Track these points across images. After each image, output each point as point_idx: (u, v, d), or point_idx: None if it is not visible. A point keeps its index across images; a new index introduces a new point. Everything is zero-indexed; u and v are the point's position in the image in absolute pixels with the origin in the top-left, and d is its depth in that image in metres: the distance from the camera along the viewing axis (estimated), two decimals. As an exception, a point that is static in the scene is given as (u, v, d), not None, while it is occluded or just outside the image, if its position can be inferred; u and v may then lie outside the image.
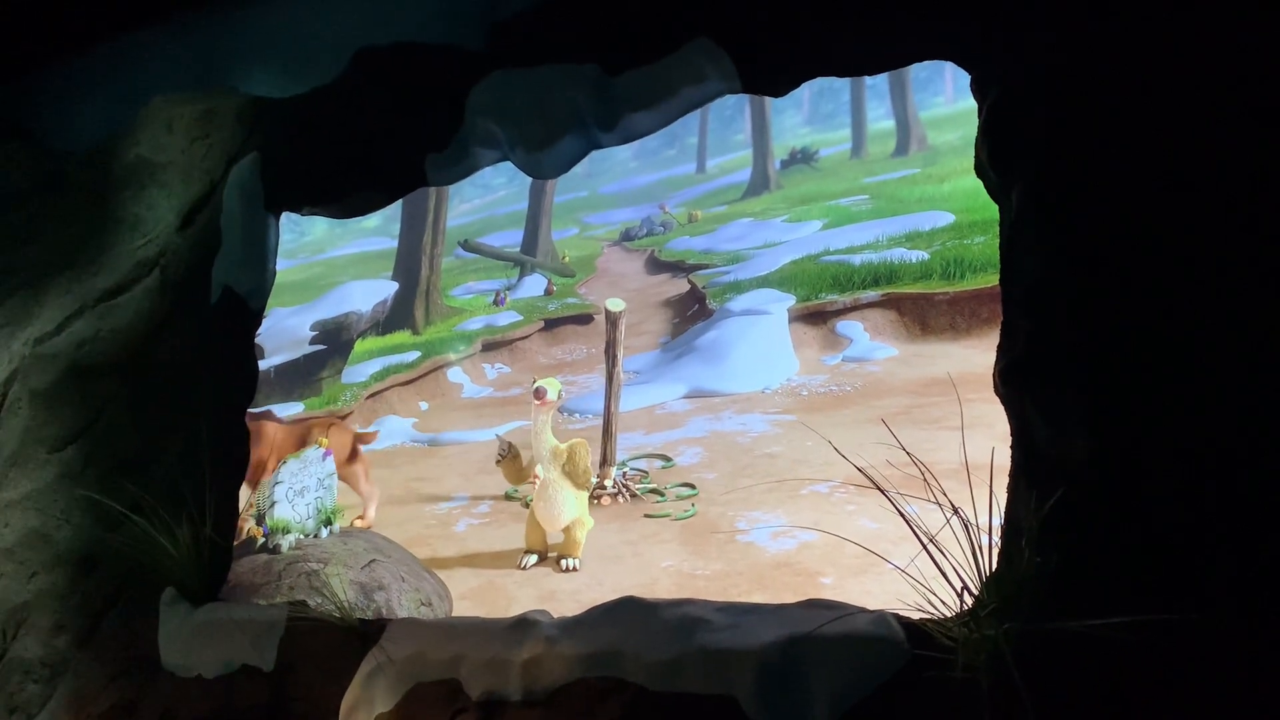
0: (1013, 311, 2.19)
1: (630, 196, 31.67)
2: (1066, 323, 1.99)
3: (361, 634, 2.69)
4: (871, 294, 12.32)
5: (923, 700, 2.02)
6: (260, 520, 4.39)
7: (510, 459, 6.51)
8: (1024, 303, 2.13)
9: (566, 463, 6.35)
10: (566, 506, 6.27)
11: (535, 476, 6.38)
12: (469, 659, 2.44)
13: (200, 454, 3.14)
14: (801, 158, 27.01)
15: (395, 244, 17.78)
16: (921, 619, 2.16)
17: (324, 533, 4.58)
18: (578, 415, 10.85)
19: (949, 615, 2.11)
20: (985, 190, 2.35)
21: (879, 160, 25.09)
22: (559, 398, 6.56)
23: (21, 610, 3.08)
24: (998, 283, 2.28)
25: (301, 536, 4.41)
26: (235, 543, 3.69)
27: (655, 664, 2.24)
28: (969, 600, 2.07)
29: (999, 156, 2.19)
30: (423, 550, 6.43)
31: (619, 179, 36.66)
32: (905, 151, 24.61)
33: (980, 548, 2.09)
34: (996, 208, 2.29)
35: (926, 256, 12.91)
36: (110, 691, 2.89)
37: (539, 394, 6.37)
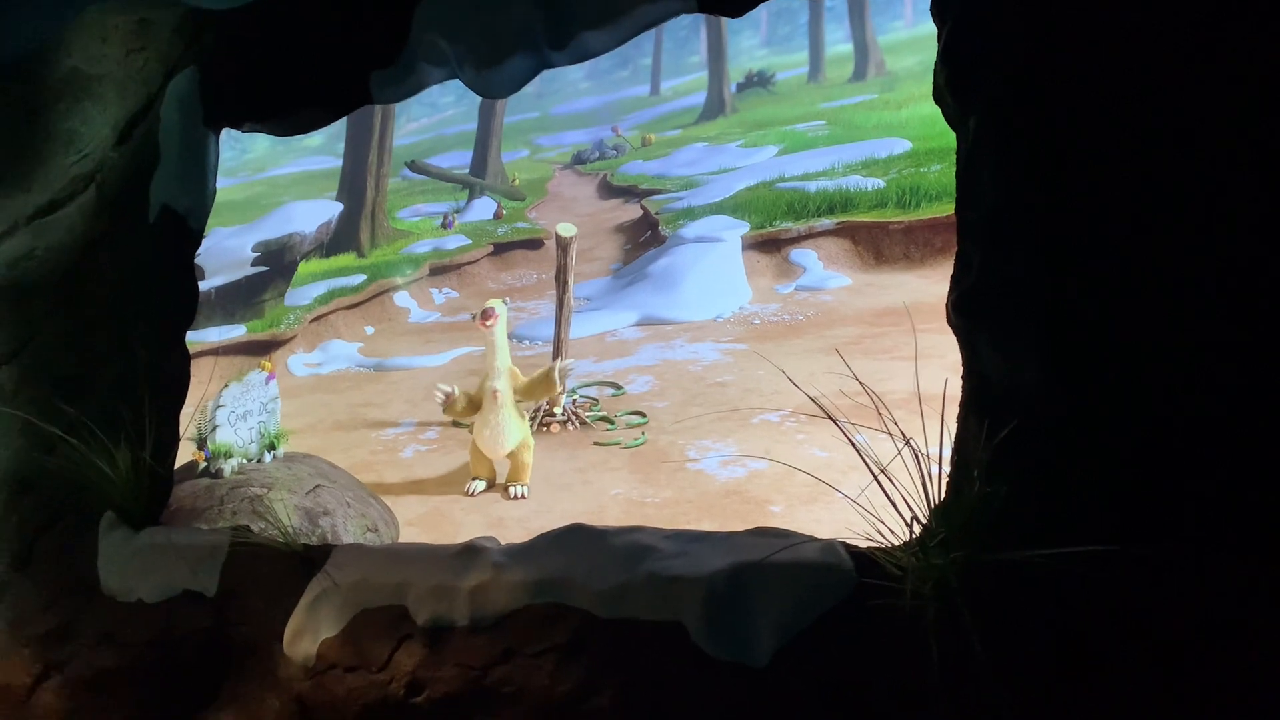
0: (967, 241, 2.17)
1: (582, 118, 31.16)
2: (1020, 253, 1.97)
3: (306, 559, 2.66)
4: (826, 222, 12.32)
5: (869, 628, 2.04)
6: (202, 444, 4.31)
7: (451, 404, 6.42)
8: (979, 232, 2.11)
9: (539, 382, 6.30)
10: (510, 432, 6.23)
11: (493, 394, 6.27)
12: (415, 585, 2.43)
13: (139, 377, 3.06)
14: (758, 81, 26.71)
15: (340, 163, 17.34)
16: (869, 548, 2.17)
17: (267, 457, 4.52)
18: (527, 342, 10.78)
19: (897, 545, 2.12)
20: (943, 117, 2.31)
21: (836, 85, 24.90)
22: (506, 303, 6.50)
23: (-47, 534, 3.01)
24: (953, 212, 2.26)
25: (244, 461, 4.35)
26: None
27: (603, 591, 2.24)
28: (918, 530, 2.08)
29: (957, 83, 2.16)
30: (368, 476, 6.38)
31: (571, 100, 36.03)
32: (863, 76, 24.44)
33: (930, 477, 2.10)
34: (954, 135, 2.25)
35: (882, 184, 12.90)
36: (49, 615, 2.85)
37: (487, 315, 6.29)
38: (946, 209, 10.73)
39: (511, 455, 6.29)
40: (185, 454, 3.65)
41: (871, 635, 2.03)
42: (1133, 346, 1.85)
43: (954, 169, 2.25)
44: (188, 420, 3.36)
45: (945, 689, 1.88)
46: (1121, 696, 1.79)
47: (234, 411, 4.50)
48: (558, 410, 7.66)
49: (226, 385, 4.74)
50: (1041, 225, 1.93)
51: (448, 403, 6.33)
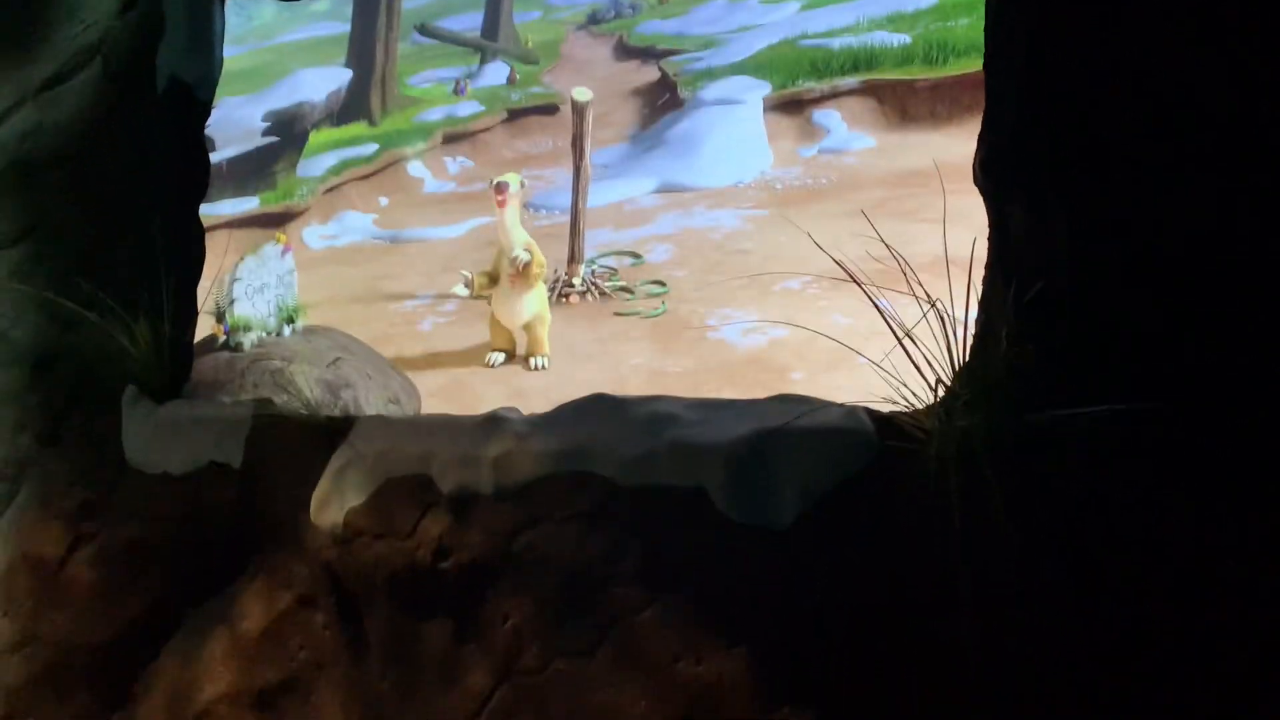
0: (996, 99, 2.08)
1: (597, -24, 30.04)
2: (1052, 110, 1.89)
3: (329, 430, 2.67)
4: (850, 81, 11.98)
5: (892, 491, 2.04)
6: (220, 318, 4.32)
7: (477, 288, 6.37)
8: (1008, 90, 2.02)
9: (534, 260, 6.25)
10: (527, 303, 6.22)
11: (508, 274, 6.24)
12: (439, 455, 2.44)
13: (154, 251, 3.04)
14: (778, -67, 25.59)
15: (348, 28, 16.89)
16: (893, 412, 2.16)
17: (286, 330, 4.52)
18: (544, 211, 10.67)
19: (921, 408, 2.11)
20: (972, -32, 2.20)
21: (861, -64, 23.83)
22: (522, 188, 6.39)
23: (-20, 410, 3.06)
24: (982, 68, 2.15)
25: (263, 334, 4.36)
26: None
27: (626, 458, 2.24)
28: (942, 394, 2.06)
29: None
30: (388, 349, 6.42)
31: (584, -43, 34.68)
32: (889, -73, 23.35)
33: (955, 340, 2.07)
34: (983, -12, 2.15)
35: (909, 40, 12.48)
36: (77, 489, 2.90)
37: (500, 189, 6.19)
38: (975, 65, 10.37)
39: (528, 328, 6.29)
40: (204, 329, 3.67)
41: (894, 498, 2.04)
42: (1165, 202, 1.78)
43: (983, 22, 2.13)
44: (205, 294, 3.36)
45: (968, 550, 1.89)
46: (1148, 558, 1.79)
47: (251, 285, 4.49)
48: (576, 281, 7.63)
49: (242, 259, 4.72)
50: (1074, 80, 1.85)
51: (473, 286, 6.31)
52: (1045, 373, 1.93)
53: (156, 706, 2.68)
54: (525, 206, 6.80)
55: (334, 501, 2.51)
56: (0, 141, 3.05)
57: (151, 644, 2.76)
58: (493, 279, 6.30)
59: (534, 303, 6.23)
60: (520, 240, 6.20)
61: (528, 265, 6.10)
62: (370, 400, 4.15)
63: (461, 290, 6.31)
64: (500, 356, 6.45)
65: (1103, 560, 1.82)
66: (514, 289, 6.16)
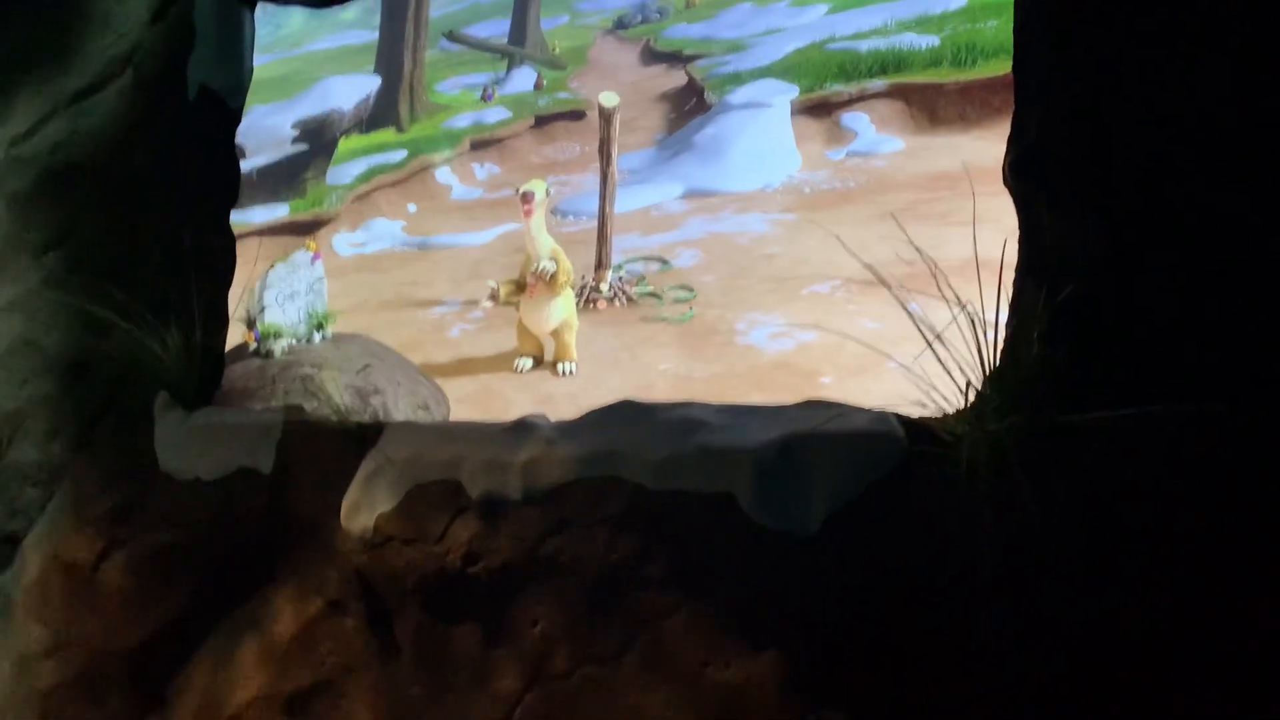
0: (1025, 100, 2.08)
1: (624, -19, 30.12)
2: (1081, 112, 1.89)
3: (359, 436, 2.69)
4: (878, 83, 11.92)
5: (922, 496, 2.03)
6: (251, 326, 4.36)
7: (504, 296, 6.40)
8: (1038, 90, 2.02)
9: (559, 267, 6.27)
10: (555, 309, 6.24)
11: (532, 284, 6.26)
12: (469, 460, 2.44)
13: (186, 259, 3.07)
14: (805, -63, 25.55)
15: (376, 36, 17.03)
16: (922, 416, 2.15)
17: (316, 337, 4.56)
18: (571, 217, 10.69)
19: (951, 413, 2.09)
20: (999, -31, 2.19)
21: (888, -62, 23.75)
22: (548, 196, 6.41)
23: (16, 417, 3.09)
24: (1011, 70, 2.16)
25: (294, 341, 4.39)
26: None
27: (654, 463, 2.24)
28: (972, 397, 2.05)
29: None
30: (417, 355, 6.46)
31: (611, -37, 34.76)
32: (915, -71, 23.24)
33: (986, 344, 2.05)
34: (1011, -9, 2.14)
35: (937, 42, 12.41)
36: (109, 495, 2.93)
37: (526, 199, 6.21)
38: (1004, 67, 10.30)
39: (555, 333, 6.30)
40: (235, 336, 3.71)
41: (924, 503, 2.02)
42: (1195, 206, 1.77)
43: (1011, 24, 2.14)
44: (236, 301, 3.39)
45: (998, 555, 1.87)
46: (1181, 562, 1.77)
47: (281, 292, 4.52)
48: (604, 286, 7.64)
49: (273, 266, 4.76)
50: (1103, 81, 1.84)
51: (499, 295, 6.34)
52: (1077, 375, 1.91)
53: (188, 711, 2.71)
54: (553, 212, 6.82)
55: (364, 507, 2.52)
56: (33, 151, 3.09)
57: (183, 648, 2.78)
58: (520, 286, 6.33)
59: (561, 309, 6.25)
60: (546, 248, 6.21)
61: (554, 275, 6.12)
62: (399, 406, 4.18)
63: (487, 302, 6.35)
64: (528, 362, 6.47)
65: (1136, 564, 1.80)
66: (541, 296, 6.18)
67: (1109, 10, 1.82)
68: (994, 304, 2.06)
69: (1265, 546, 1.70)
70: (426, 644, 2.43)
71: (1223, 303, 1.77)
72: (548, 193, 6.44)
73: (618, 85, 15.32)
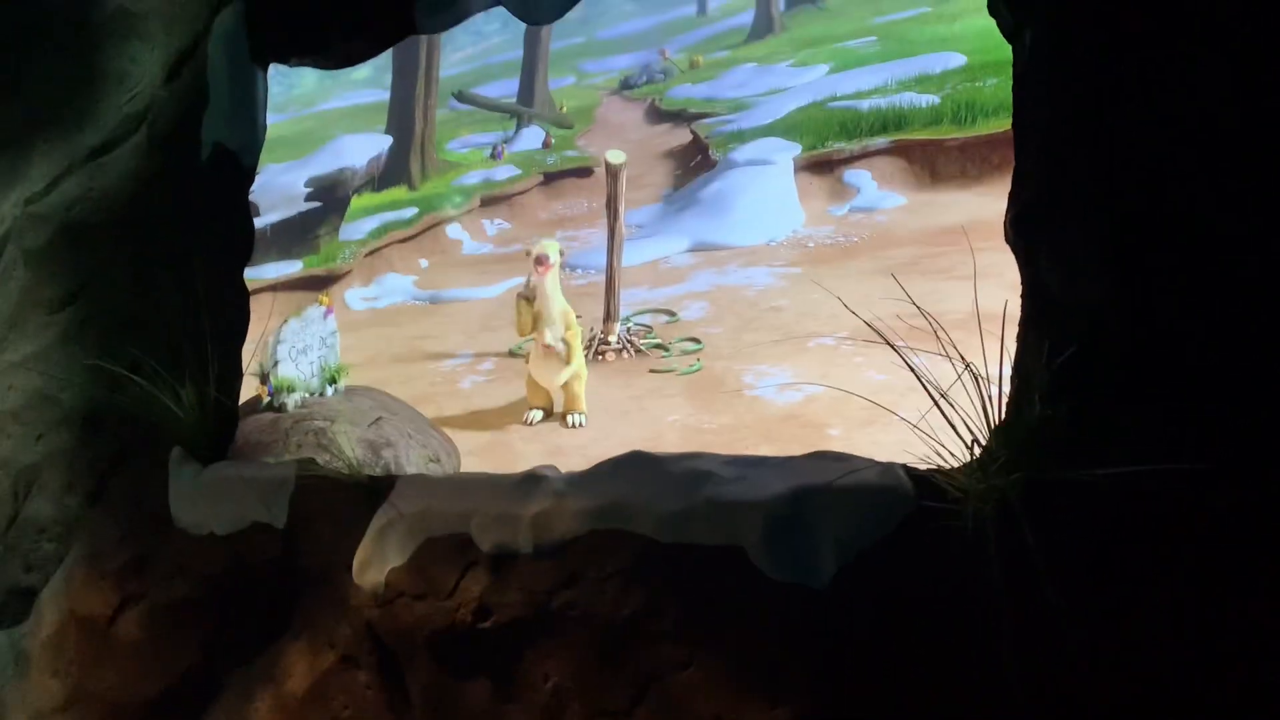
0: (1025, 156, 2.11)
1: (629, 42, 30.65)
2: (1081, 168, 1.91)
3: (371, 490, 2.70)
4: (880, 141, 12.05)
5: (930, 550, 2.03)
6: (264, 380, 4.38)
7: (528, 303, 6.40)
8: (1037, 147, 2.05)
9: (568, 330, 6.30)
10: (565, 371, 6.27)
11: (544, 345, 6.29)
12: (479, 513, 2.46)
13: (200, 314, 3.11)
14: (807, -3, 26.01)
15: (387, 96, 17.29)
16: (929, 470, 2.15)
17: (329, 391, 4.58)
18: (579, 271, 10.77)
19: (957, 467, 2.10)
20: (999, 30, 2.24)
21: (888, -1, 24.15)
22: (561, 257, 6.47)
23: (31, 471, 3.11)
24: (1010, 127, 2.19)
25: (306, 395, 4.42)
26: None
27: (664, 516, 2.25)
28: (978, 452, 2.06)
29: (1013, -8, 2.08)
30: (428, 408, 6.48)
31: (617, 23, 35.37)
32: (915, -10, 23.63)
33: (990, 399, 2.07)
34: (1010, 48, 2.18)
35: (937, 101, 12.57)
36: (124, 548, 2.94)
37: (541, 261, 6.26)
38: (1004, 124, 10.42)
39: (564, 385, 6.33)
40: (248, 390, 3.73)
41: (932, 557, 2.02)
42: (1198, 262, 1.78)
43: (1010, 83, 2.18)
44: (249, 356, 3.42)
45: (1008, 610, 1.88)
46: (1188, 617, 1.77)
47: (294, 346, 4.56)
48: (612, 339, 7.68)
49: (286, 321, 4.79)
50: (1103, 139, 1.87)
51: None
52: (1082, 431, 1.92)
53: (200, 766, 2.70)
54: (562, 267, 6.87)
55: (375, 562, 2.53)
56: (49, 208, 3.13)
57: (198, 701, 2.78)
58: (531, 319, 6.34)
59: (571, 366, 6.29)
60: (559, 309, 6.27)
61: (567, 350, 6.17)
62: (411, 459, 4.19)
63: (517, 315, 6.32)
64: (538, 414, 6.49)
65: (1144, 618, 1.80)
66: (552, 357, 6.23)
67: (1105, 65, 1.85)
68: (997, 358, 2.08)
69: (1274, 602, 1.71)
70: (438, 698, 2.42)
71: (1230, 357, 1.78)
72: (561, 252, 6.50)
73: (624, 143, 15.54)
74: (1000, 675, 1.87)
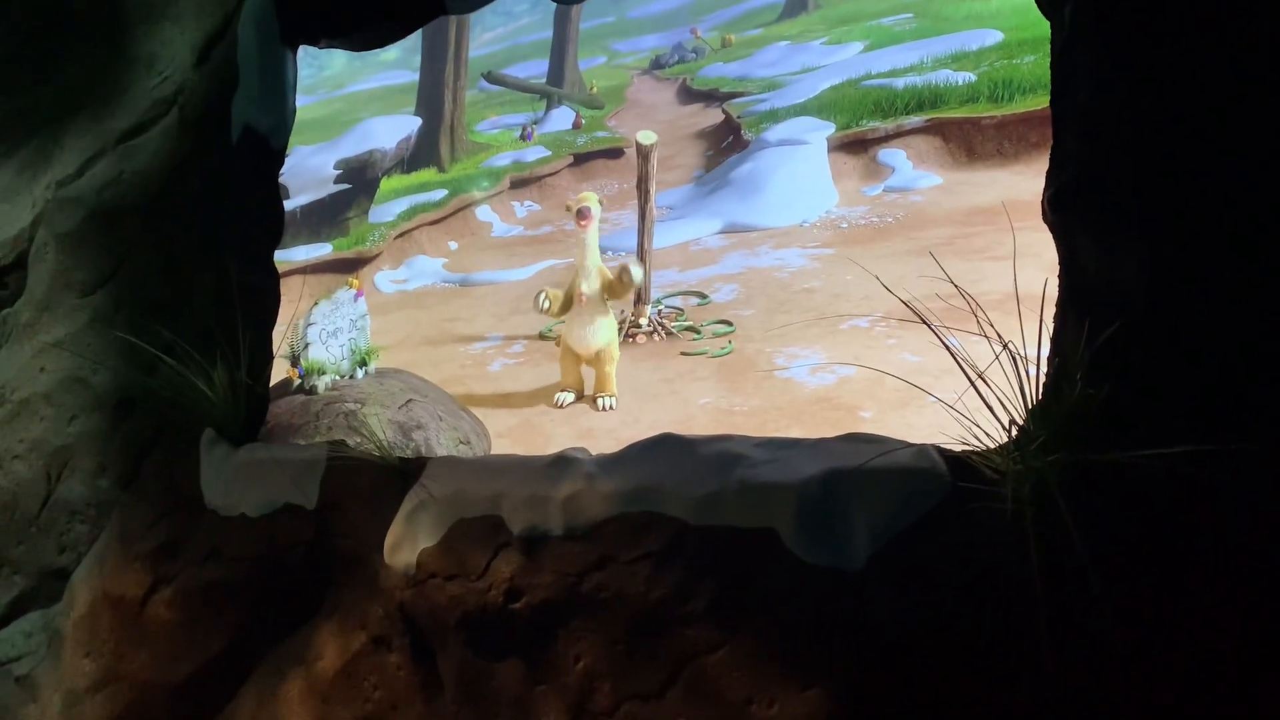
0: (1064, 134, 2.06)
1: (660, 21, 30.48)
2: (1121, 145, 1.86)
3: (402, 472, 2.70)
4: (915, 120, 11.91)
5: (966, 532, 2.00)
6: (295, 362, 4.41)
7: (556, 311, 6.44)
8: (1076, 125, 2.00)
9: (615, 282, 6.32)
10: (601, 331, 6.26)
11: (580, 295, 6.32)
12: (510, 495, 2.45)
13: (231, 297, 3.12)
14: (840, -25, 25.69)
15: (417, 77, 17.32)
16: (965, 452, 2.12)
17: (359, 373, 4.60)
18: (610, 253, 10.75)
19: (994, 448, 2.07)
20: (1036, 5, 2.18)
21: (923, -25, 23.85)
22: (600, 205, 6.51)
23: (64, 453, 3.14)
24: (1048, 105, 2.14)
25: (337, 377, 4.44)
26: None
27: (695, 498, 2.23)
28: (1015, 433, 2.02)
29: (1052, -33, 2.03)
30: (458, 390, 6.50)
31: (647, 2, 35.16)
32: (950, -34, 23.31)
33: (1027, 380, 2.03)
34: (1048, 24, 2.13)
35: (973, 78, 12.40)
36: (156, 530, 2.96)
37: (584, 215, 6.29)
38: (1041, 102, 10.26)
39: (596, 362, 6.32)
40: (279, 372, 3.75)
41: (968, 539, 1.99)
42: (1241, 242, 1.74)
43: (1048, 60, 2.13)
44: (280, 339, 3.43)
45: (1045, 592, 1.84)
46: (1226, 599, 1.73)
47: (324, 329, 4.58)
48: (643, 321, 7.66)
49: (316, 303, 4.82)
50: (1143, 116, 1.82)
51: (549, 303, 6.38)
52: (1121, 412, 1.88)
53: (234, 745, 2.72)
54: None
55: (407, 543, 2.53)
56: (81, 191, 3.15)
57: (230, 683, 2.80)
58: (568, 302, 6.37)
59: (605, 330, 6.29)
60: (595, 261, 6.32)
61: (582, 296, 6.21)
62: (441, 441, 4.20)
63: (544, 301, 6.36)
64: (569, 396, 6.49)
65: (1183, 602, 1.77)
66: (586, 311, 6.24)
67: (1149, 39, 1.81)
68: (1035, 339, 2.04)
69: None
70: (469, 680, 2.42)
71: (1272, 336, 1.74)
72: (600, 202, 6.55)
73: (655, 124, 15.48)
74: (1036, 661, 1.83)
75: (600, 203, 6.55)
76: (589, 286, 6.28)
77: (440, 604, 2.44)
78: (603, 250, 10.68)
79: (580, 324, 6.28)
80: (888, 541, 2.06)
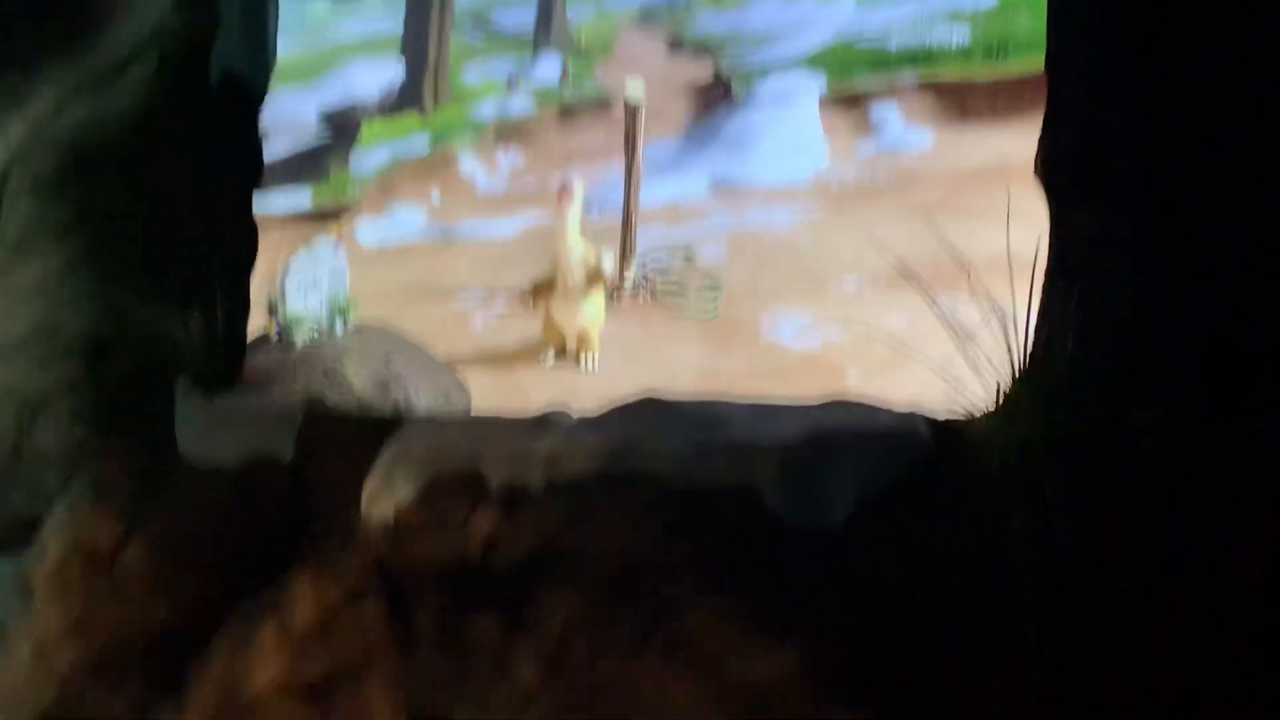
0: (1059, 95, 2.05)
1: (650, -29, 30.03)
2: (1115, 106, 1.86)
3: (380, 426, 2.68)
4: (908, 76, 11.81)
5: (949, 497, 2.01)
6: (273, 313, 4.36)
7: (532, 300, 6.38)
8: (1070, 85, 1.99)
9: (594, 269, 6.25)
10: (587, 309, 6.23)
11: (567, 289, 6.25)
12: (489, 451, 2.44)
13: (209, 243, 3.07)
14: (834, -72, 25.41)
15: (400, 22, 17.03)
16: (950, 416, 2.12)
17: (338, 326, 4.56)
18: (595, 209, 10.66)
19: (979, 413, 2.07)
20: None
21: (918, -70, 23.58)
22: (581, 188, 6.41)
23: (35, 400, 3.10)
24: (1043, 64, 2.13)
25: (315, 330, 4.40)
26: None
27: (677, 458, 2.23)
28: (1002, 398, 2.02)
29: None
30: (439, 346, 6.45)
31: (638, -47, 34.67)
32: (947, -80, 23.06)
33: (1015, 343, 2.02)
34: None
35: (967, 35, 12.29)
36: (131, 480, 2.93)
37: (565, 190, 6.18)
38: (1036, 61, 10.21)
39: (581, 331, 6.29)
40: (257, 323, 3.71)
41: (950, 502, 2.01)
42: (1233, 201, 1.73)
43: (1044, 18, 2.11)
44: (257, 289, 3.39)
45: (1026, 557, 1.84)
46: (1213, 569, 1.73)
47: (303, 280, 4.53)
48: (628, 280, 7.62)
49: (295, 254, 4.76)
50: (1138, 77, 1.81)
51: (532, 299, 6.32)
52: (1108, 377, 1.88)
53: (207, 695, 2.71)
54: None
55: (384, 496, 2.51)
56: (56, 133, 3.08)
57: (203, 634, 2.79)
58: (550, 285, 6.29)
59: (592, 310, 6.24)
60: (579, 256, 6.18)
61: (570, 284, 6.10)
62: (420, 397, 4.18)
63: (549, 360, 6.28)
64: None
65: (1169, 568, 1.77)
66: (572, 296, 6.18)
67: (1143, 7, 1.78)
68: (1025, 303, 2.03)
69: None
70: (447, 634, 2.42)
71: (1263, 304, 1.73)
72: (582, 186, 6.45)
73: (644, 76, 15.29)
74: (1019, 626, 1.84)
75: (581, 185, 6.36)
76: (574, 279, 6.18)
77: (417, 557, 2.44)
78: (589, 206, 10.62)
79: (565, 306, 6.21)
80: (869, 503, 2.07)
